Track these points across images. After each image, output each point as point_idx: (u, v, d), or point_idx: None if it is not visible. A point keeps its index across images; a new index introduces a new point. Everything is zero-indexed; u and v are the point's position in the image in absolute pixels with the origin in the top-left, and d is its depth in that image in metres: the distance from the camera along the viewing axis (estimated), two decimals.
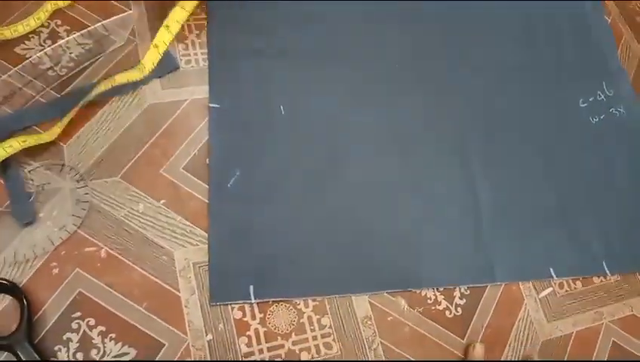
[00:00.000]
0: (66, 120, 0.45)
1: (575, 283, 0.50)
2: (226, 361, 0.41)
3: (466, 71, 0.57)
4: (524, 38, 0.61)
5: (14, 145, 0.42)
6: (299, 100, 0.52)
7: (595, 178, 0.55)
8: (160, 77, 0.50)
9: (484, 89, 0.57)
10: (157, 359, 0.40)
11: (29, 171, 0.44)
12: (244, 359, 0.41)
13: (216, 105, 0.50)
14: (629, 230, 0.53)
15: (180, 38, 0.53)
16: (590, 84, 0.60)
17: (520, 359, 0.46)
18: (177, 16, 0.51)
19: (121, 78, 0.47)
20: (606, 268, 0.51)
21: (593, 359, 0.48)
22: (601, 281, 0.51)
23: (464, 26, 0.60)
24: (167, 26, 0.50)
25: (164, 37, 0.50)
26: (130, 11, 0.52)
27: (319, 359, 0.43)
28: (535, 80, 0.59)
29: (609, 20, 0.66)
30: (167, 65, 0.50)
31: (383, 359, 0.44)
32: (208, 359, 0.41)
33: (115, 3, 0.53)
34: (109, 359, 0.40)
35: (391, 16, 0.59)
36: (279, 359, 0.42)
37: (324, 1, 0.58)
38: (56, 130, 0.44)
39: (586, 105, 0.59)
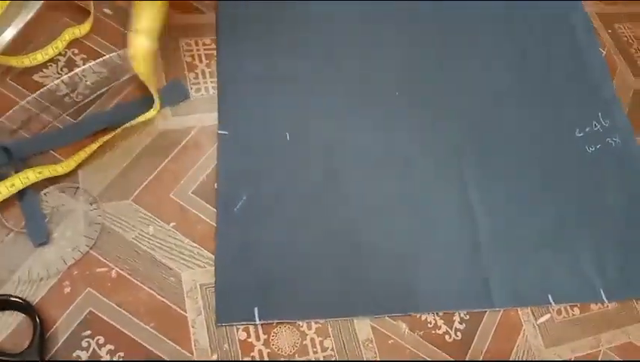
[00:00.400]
0: (82, 155, 0.47)
1: (573, 310, 0.51)
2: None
3: (462, 96, 0.60)
4: (521, 65, 0.64)
5: (30, 176, 0.44)
6: (303, 125, 0.54)
7: (592, 206, 0.57)
8: (172, 106, 0.52)
9: (481, 114, 0.59)
10: None
11: (45, 193, 0.46)
12: None
13: (225, 132, 0.52)
14: (626, 258, 0.55)
15: (190, 67, 0.55)
16: (586, 114, 0.62)
17: None
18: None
19: (141, 118, 0.49)
20: (603, 296, 0.52)
21: None
22: (599, 308, 0.52)
23: (461, 52, 0.63)
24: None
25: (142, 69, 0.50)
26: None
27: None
28: (532, 107, 0.61)
29: (604, 53, 0.69)
30: (178, 95, 0.53)
31: None
32: None
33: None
34: None
35: (387, 41, 0.62)
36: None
37: (322, 28, 0.61)
38: (71, 164, 0.46)
39: (582, 134, 0.60)
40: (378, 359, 0.45)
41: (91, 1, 0.54)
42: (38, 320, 0.40)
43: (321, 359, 0.44)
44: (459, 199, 0.54)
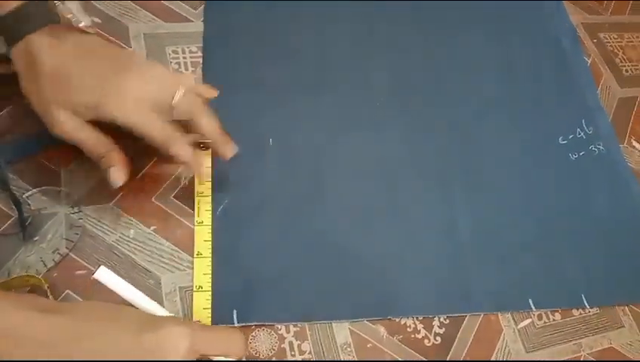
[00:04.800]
0: None
1: (554, 315, 0.51)
2: None
3: (449, 104, 0.60)
4: (506, 74, 0.64)
5: None
6: (287, 131, 0.54)
7: (574, 212, 0.57)
8: None
9: (467, 122, 0.60)
10: None
11: (27, 196, 0.46)
12: None
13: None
14: (608, 264, 0.55)
15: None
16: (570, 122, 0.63)
17: None
18: None
19: None
20: (585, 301, 0.52)
21: None
22: (580, 313, 0.52)
23: (445, 61, 0.64)
24: None
25: None
26: None
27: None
28: (515, 115, 0.61)
29: (589, 61, 0.69)
30: None
31: None
32: None
33: None
34: None
35: (374, 49, 0.62)
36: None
37: (311, 36, 0.62)
38: None
39: (565, 142, 0.61)
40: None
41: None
42: None
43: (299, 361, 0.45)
44: (442, 205, 0.54)
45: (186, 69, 0.56)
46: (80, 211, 0.47)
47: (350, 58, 0.61)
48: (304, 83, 0.58)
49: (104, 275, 0.39)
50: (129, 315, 0.35)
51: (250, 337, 0.45)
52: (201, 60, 0.57)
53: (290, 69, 0.59)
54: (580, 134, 0.62)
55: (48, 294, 0.42)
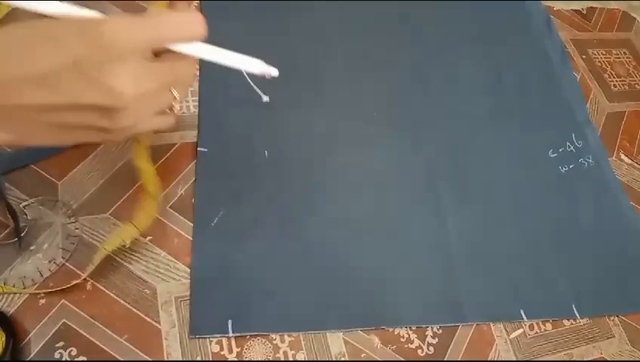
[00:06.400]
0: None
1: (545, 325, 0.52)
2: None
3: (440, 119, 0.61)
4: (497, 89, 0.66)
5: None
6: (282, 144, 0.55)
7: (564, 224, 0.58)
8: None
9: (458, 136, 0.61)
10: None
11: (24, 206, 0.47)
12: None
13: (204, 149, 0.53)
14: (598, 275, 0.56)
15: None
16: (560, 135, 0.64)
17: None
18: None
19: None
20: (575, 312, 0.53)
21: None
22: (571, 324, 0.53)
23: (436, 77, 0.65)
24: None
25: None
26: None
27: None
28: (505, 129, 0.63)
29: (578, 76, 0.71)
30: None
31: None
32: None
33: None
34: None
35: (366, 66, 0.64)
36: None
37: (305, 51, 0.62)
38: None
39: (555, 155, 0.62)
40: None
41: None
42: (11, 330, 0.41)
43: None
44: (434, 218, 0.55)
45: None
46: (76, 221, 0.47)
47: (343, 73, 0.62)
48: (299, 97, 0.59)
49: None
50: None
51: (245, 347, 0.45)
52: (197, 73, 0.58)
53: (284, 82, 0.59)
54: (569, 148, 0.63)
55: None
